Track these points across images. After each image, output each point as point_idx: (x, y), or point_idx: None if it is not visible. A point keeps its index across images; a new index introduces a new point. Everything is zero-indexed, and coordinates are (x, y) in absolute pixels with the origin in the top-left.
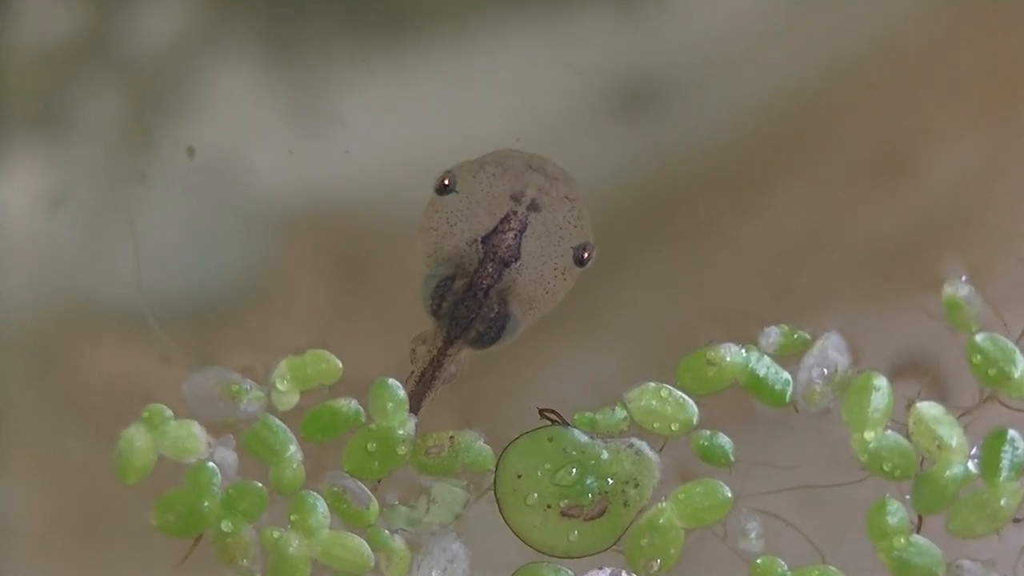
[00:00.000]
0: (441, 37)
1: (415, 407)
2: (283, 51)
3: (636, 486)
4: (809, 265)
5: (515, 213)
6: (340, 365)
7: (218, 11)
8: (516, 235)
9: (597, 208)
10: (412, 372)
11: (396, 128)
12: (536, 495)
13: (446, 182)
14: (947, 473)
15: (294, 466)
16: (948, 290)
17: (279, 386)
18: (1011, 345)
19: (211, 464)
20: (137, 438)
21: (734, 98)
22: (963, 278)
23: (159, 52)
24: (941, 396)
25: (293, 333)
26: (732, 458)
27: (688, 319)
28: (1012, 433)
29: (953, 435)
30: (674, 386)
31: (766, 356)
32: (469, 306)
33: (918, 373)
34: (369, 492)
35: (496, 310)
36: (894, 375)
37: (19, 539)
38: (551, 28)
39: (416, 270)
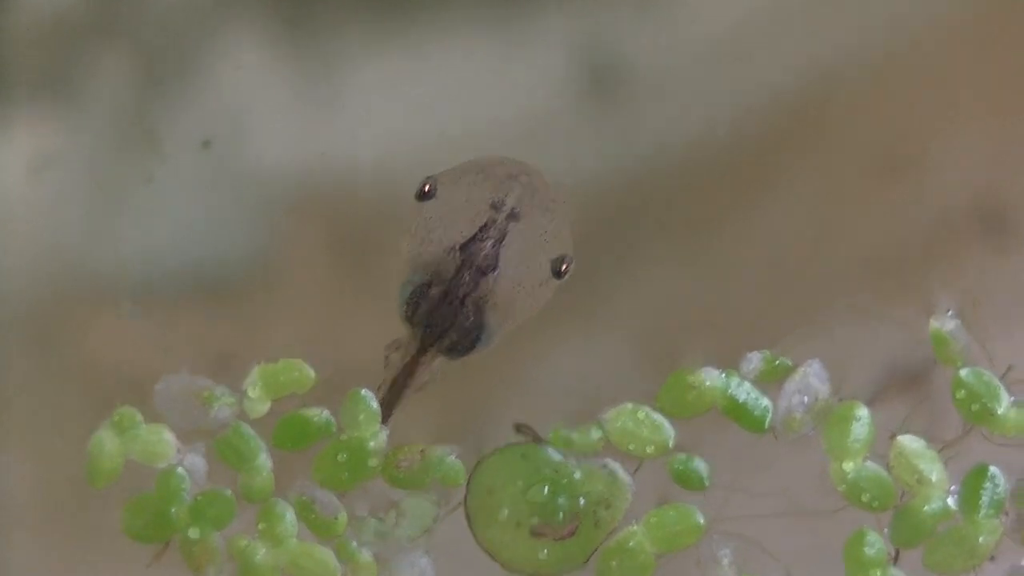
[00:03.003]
0: (450, 21)
1: (387, 413)
2: (291, 31)
3: (608, 507)
4: (794, 287)
5: (494, 222)
6: (313, 374)
7: None
8: (494, 244)
9: (580, 218)
10: (384, 379)
11: (404, 112)
12: (507, 512)
13: (427, 188)
14: (926, 507)
15: (264, 474)
16: (935, 324)
17: (250, 393)
18: (996, 381)
19: (180, 470)
20: (106, 441)
21: (724, 103)
22: (949, 312)
23: (167, 25)
24: (924, 426)
25: (290, 320)
26: (707, 482)
27: (670, 335)
28: (993, 470)
29: (934, 470)
30: (653, 407)
31: (746, 382)
32: (444, 314)
33: (901, 402)
34: (338, 503)
35: (472, 319)
36: (876, 403)
37: (13, 515)
38: (556, 12)
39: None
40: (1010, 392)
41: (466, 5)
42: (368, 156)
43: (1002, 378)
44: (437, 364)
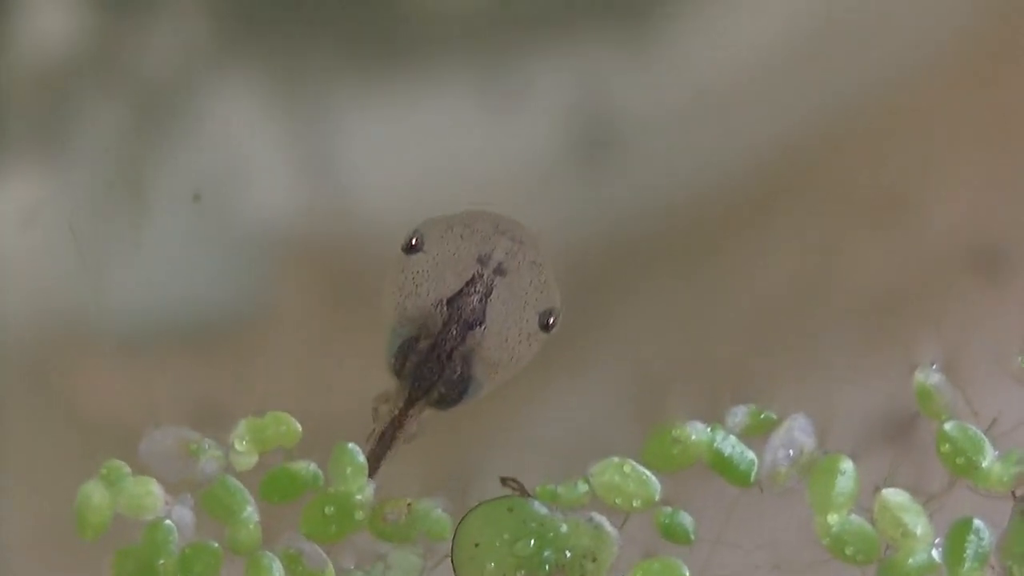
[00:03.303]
0: (438, 73)
1: (375, 465)
2: (281, 84)
3: (594, 560)
4: (779, 339)
5: (481, 276)
6: (299, 428)
7: (221, 40)
8: (481, 298)
9: (566, 269)
10: (373, 430)
11: (394, 161)
12: (493, 565)
13: (414, 241)
14: (911, 560)
15: (251, 527)
16: (920, 377)
17: (238, 447)
18: (980, 435)
19: (168, 522)
20: (94, 494)
21: (711, 153)
22: (934, 365)
23: (162, 75)
24: (908, 479)
25: (277, 371)
26: (693, 536)
27: (654, 388)
28: (977, 523)
29: (918, 523)
30: (638, 461)
31: (732, 435)
32: (432, 367)
33: (885, 454)
34: (325, 556)
35: (459, 372)
36: (860, 456)
37: (2, 566)
38: (548, 64)
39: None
40: (994, 445)
41: (454, 58)
42: (356, 207)
43: (986, 431)
44: (425, 416)
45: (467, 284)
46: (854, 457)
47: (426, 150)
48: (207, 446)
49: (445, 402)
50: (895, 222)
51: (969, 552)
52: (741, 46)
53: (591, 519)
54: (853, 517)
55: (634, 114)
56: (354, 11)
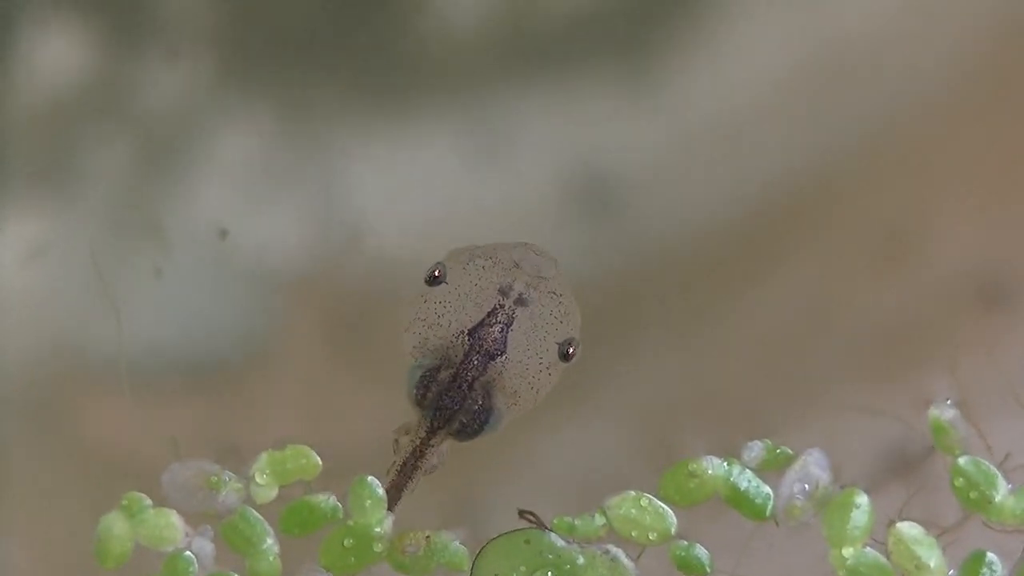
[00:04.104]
0: (443, 113)
1: (395, 496)
2: (290, 119)
3: None
4: (794, 373)
5: (502, 307)
6: (319, 461)
7: (226, 78)
8: (503, 329)
9: (583, 302)
10: (394, 462)
11: (399, 199)
12: None
13: (436, 273)
14: None
15: (271, 559)
16: (934, 412)
17: (258, 479)
18: (994, 469)
19: (188, 553)
20: (115, 525)
21: (718, 190)
22: (948, 401)
23: (167, 114)
24: (922, 513)
25: (293, 404)
26: (709, 569)
27: (670, 422)
28: (991, 556)
29: (932, 556)
30: (655, 495)
31: (748, 470)
32: (453, 397)
33: (899, 488)
34: None
35: (480, 402)
36: (874, 489)
37: None
38: (551, 106)
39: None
40: (1007, 479)
41: (457, 99)
42: (364, 243)
43: (999, 466)
44: (446, 447)
45: (488, 315)
46: (868, 491)
47: (430, 189)
48: (228, 479)
49: (466, 432)
50: (900, 256)
51: None
52: (742, 86)
53: (608, 551)
54: (868, 550)
55: (637, 157)
56: (357, 52)
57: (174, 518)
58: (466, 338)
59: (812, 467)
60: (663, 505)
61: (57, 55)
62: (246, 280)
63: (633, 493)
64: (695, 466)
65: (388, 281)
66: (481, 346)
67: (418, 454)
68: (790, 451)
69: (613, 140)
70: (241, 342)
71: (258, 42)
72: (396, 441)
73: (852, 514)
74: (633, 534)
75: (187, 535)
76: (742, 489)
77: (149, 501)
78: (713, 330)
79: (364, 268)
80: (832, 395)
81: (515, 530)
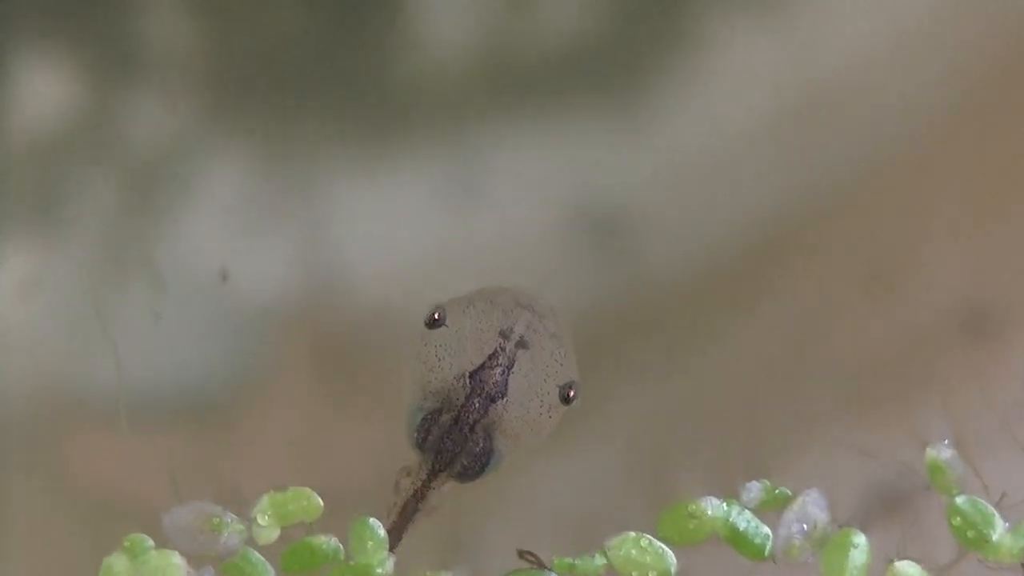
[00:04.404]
0: (433, 148)
1: (396, 537)
2: (280, 155)
3: None
4: (789, 410)
5: (503, 349)
6: (320, 503)
7: (213, 115)
8: (503, 371)
9: (578, 340)
10: (395, 503)
11: (388, 237)
12: None
13: (436, 316)
14: None
15: None
16: (931, 452)
17: (260, 521)
18: (990, 508)
19: None
20: (117, 566)
21: (710, 224)
22: (945, 441)
23: (155, 151)
24: (918, 551)
25: (290, 443)
26: None
27: (666, 461)
28: None
29: None
30: (654, 535)
31: (747, 510)
32: (455, 440)
33: (895, 526)
34: None
35: (481, 445)
36: (870, 528)
37: None
38: (541, 142)
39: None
40: (1004, 518)
41: (446, 137)
42: (356, 283)
43: (996, 504)
44: (447, 489)
45: (489, 358)
46: (865, 528)
47: (420, 225)
48: (229, 520)
49: (467, 474)
50: (892, 291)
51: None
52: (730, 120)
53: None
54: None
55: (626, 192)
56: (345, 90)
57: (176, 559)
58: (467, 381)
59: (810, 507)
60: (663, 545)
61: (48, 91)
62: (242, 319)
63: (633, 534)
64: (694, 507)
65: (382, 318)
66: (482, 389)
67: (419, 496)
68: (788, 491)
69: (603, 176)
70: (238, 380)
71: (248, 79)
72: (398, 482)
73: (851, 554)
74: (633, 574)
75: (189, 575)
76: (741, 529)
77: (151, 542)
78: (705, 367)
79: (358, 305)
80: (827, 431)
81: (515, 570)
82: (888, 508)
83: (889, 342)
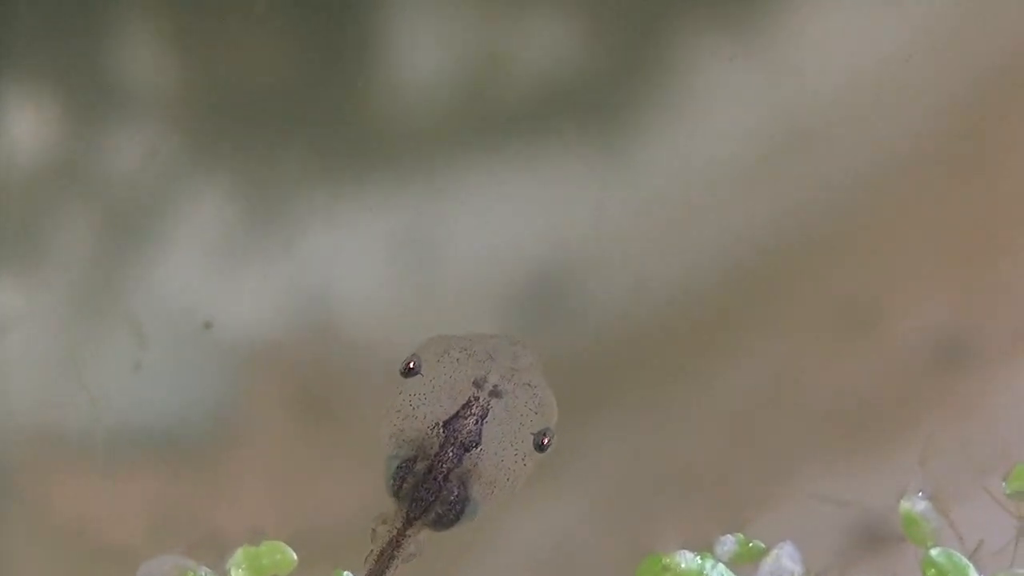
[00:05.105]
0: (409, 189)
1: None
2: (257, 195)
3: None
4: (762, 458)
5: (477, 399)
6: (294, 557)
7: (192, 157)
8: (477, 421)
9: (550, 386)
10: (372, 551)
11: (368, 279)
12: None
13: (411, 365)
14: None
15: None
16: (905, 505)
17: (234, 574)
18: (965, 561)
19: None
20: None
21: (679, 267)
22: (920, 493)
23: (131, 185)
24: None
25: (263, 488)
26: None
27: (645, 512)
28: None
29: None
30: None
31: (721, 564)
32: (429, 488)
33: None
34: None
35: (456, 493)
36: None
37: None
38: (519, 182)
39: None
40: (979, 569)
41: (422, 173)
42: (337, 326)
43: (971, 556)
44: (423, 537)
45: (463, 407)
46: None
47: (395, 265)
48: (204, 574)
49: (442, 523)
50: (867, 332)
51: None
52: (704, 157)
53: None
54: None
55: (597, 229)
56: (323, 131)
57: None
58: (441, 430)
59: (784, 560)
60: None
61: (21, 131)
62: (219, 363)
63: None
64: (668, 560)
65: (362, 362)
66: (456, 438)
67: (395, 544)
68: (762, 544)
69: (577, 218)
70: (213, 425)
71: (228, 119)
72: (374, 530)
73: None
74: None
75: None
76: None
77: None
78: (678, 418)
79: (337, 348)
80: (802, 482)
81: None
82: (863, 559)
83: (864, 389)
